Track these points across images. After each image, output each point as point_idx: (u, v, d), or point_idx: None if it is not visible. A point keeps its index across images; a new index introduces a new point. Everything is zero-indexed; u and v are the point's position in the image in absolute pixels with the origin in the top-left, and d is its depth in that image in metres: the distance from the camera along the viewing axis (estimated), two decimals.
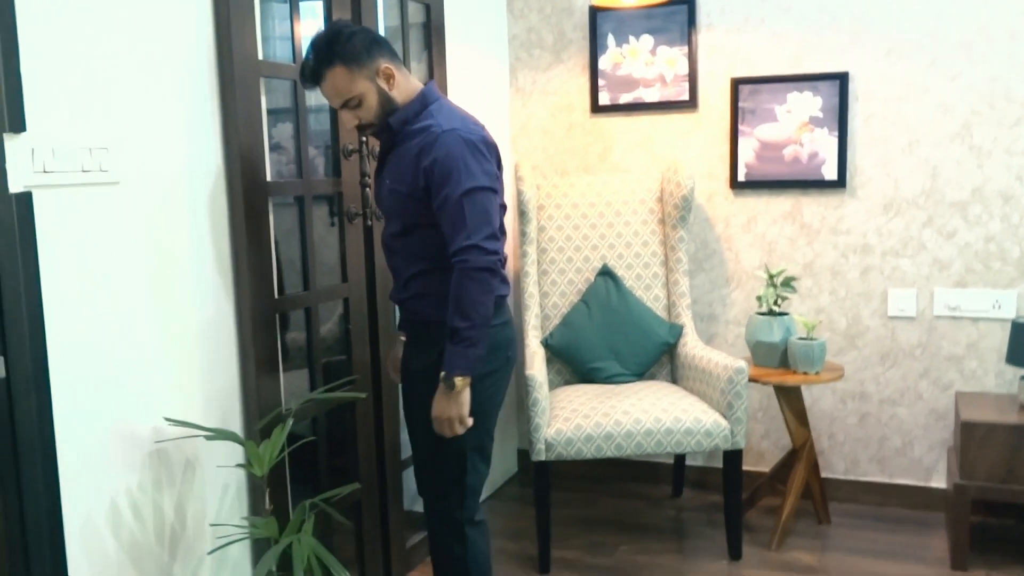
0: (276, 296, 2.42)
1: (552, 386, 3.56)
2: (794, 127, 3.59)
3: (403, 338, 2.33)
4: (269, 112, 2.47)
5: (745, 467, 3.57)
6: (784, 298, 3.41)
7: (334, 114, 2.74)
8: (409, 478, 3.23)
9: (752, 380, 3.24)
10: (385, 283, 2.91)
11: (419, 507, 3.29)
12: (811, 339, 3.30)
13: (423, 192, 2.05)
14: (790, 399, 3.36)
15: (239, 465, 2.17)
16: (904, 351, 3.59)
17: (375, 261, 2.87)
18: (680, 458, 3.83)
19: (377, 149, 2.80)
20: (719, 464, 3.77)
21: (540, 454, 3.05)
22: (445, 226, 2.04)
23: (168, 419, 2.05)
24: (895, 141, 3.52)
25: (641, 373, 3.54)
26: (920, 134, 3.48)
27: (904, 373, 3.60)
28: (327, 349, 2.85)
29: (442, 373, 2.06)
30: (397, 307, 2.36)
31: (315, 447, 2.70)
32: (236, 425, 2.30)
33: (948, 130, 3.45)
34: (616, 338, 3.51)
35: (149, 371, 2.04)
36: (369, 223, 2.83)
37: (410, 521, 3.24)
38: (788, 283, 3.39)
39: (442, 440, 2.16)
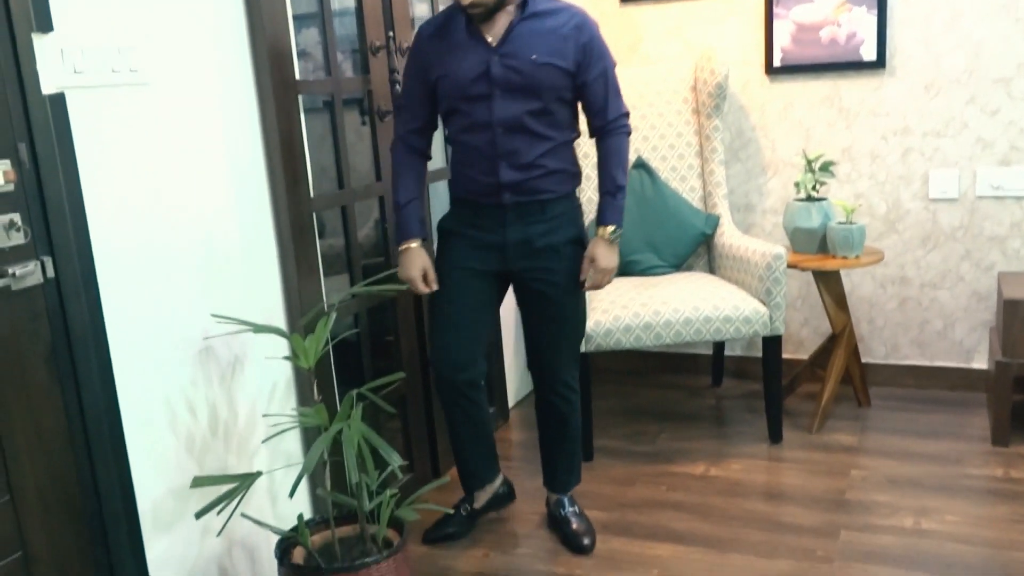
0: (311, 194, 2.43)
1: None
2: (831, 7, 3.48)
3: (468, 232, 2.40)
4: (295, 18, 2.44)
5: (784, 355, 3.57)
6: (822, 183, 3.36)
7: (360, 16, 2.70)
8: None
9: (790, 266, 3.22)
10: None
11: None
12: (850, 223, 3.26)
13: (575, 67, 2.26)
14: (829, 284, 3.34)
15: (286, 358, 2.22)
16: (945, 233, 3.54)
17: None
18: (719, 348, 3.85)
19: (405, 45, 2.78)
20: (758, 353, 3.79)
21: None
22: (597, 97, 2.32)
23: (215, 315, 2.10)
24: (936, 16, 3.40)
25: (678, 265, 3.54)
26: (963, 7, 3.36)
27: (945, 256, 3.56)
28: (365, 253, 2.88)
29: (610, 228, 2.37)
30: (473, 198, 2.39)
31: (358, 345, 2.75)
32: (280, 323, 2.34)
33: (993, 1, 3.32)
34: (652, 231, 3.50)
35: (192, 272, 2.08)
36: None
37: None
38: (826, 168, 3.33)
39: (579, 306, 2.46)
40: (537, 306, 2.46)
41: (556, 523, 2.69)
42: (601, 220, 2.41)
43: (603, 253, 2.39)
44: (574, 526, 2.63)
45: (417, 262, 2.33)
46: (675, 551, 2.58)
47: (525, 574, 2.51)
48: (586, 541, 2.59)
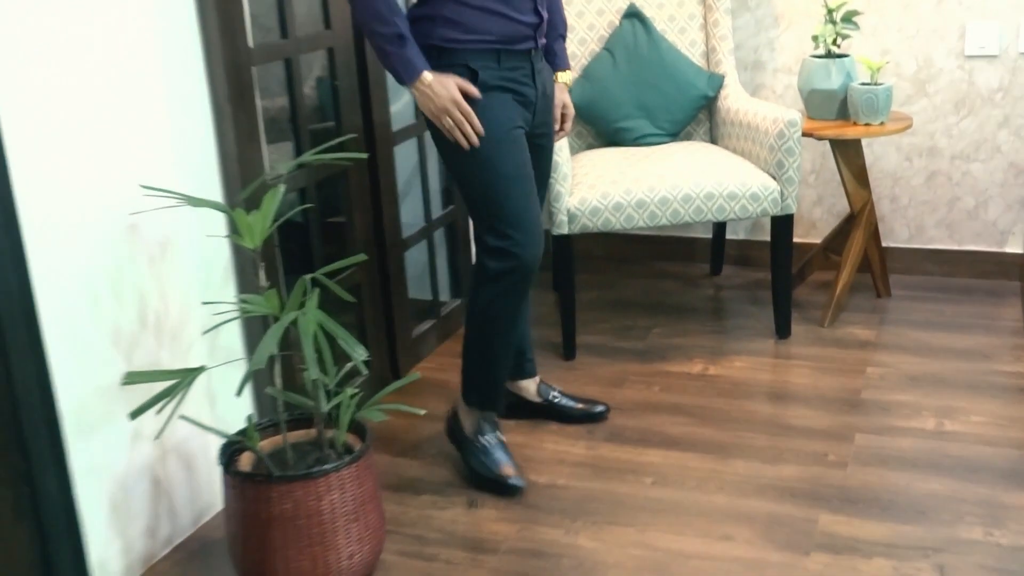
0: (251, 45, 2.41)
1: (573, 151, 3.58)
2: None
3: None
4: None
5: (794, 239, 3.65)
6: (844, 36, 3.37)
7: None
8: (412, 262, 3.31)
9: (805, 134, 3.26)
10: None
11: (424, 294, 3.40)
12: (875, 84, 3.30)
13: None
14: (848, 155, 3.39)
15: (228, 236, 2.23)
16: (982, 96, 3.59)
17: None
18: (719, 232, 3.91)
19: None
20: (764, 236, 3.85)
21: (562, 226, 3.11)
22: None
23: (144, 187, 2.09)
24: None
25: (676, 132, 3.56)
26: None
27: (981, 123, 3.62)
28: (313, 114, 2.86)
29: (570, 74, 2.62)
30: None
31: (305, 226, 2.77)
32: (217, 197, 2.35)
33: None
34: (646, 92, 3.50)
35: (113, 136, 2.06)
36: None
37: (416, 309, 3.36)
38: (849, 18, 3.34)
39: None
40: (536, 164, 2.54)
41: (549, 411, 2.87)
42: (561, 64, 2.59)
43: (569, 100, 2.63)
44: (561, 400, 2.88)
45: (449, 83, 2.31)
46: (670, 457, 2.68)
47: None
48: (598, 408, 2.89)
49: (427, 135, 3.38)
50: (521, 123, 2.41)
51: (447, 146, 2.39)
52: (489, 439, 2.59)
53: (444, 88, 2.29)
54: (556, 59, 2.57)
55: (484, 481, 2.54)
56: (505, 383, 2.66)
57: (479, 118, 2.32)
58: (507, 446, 2.61)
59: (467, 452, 2.60)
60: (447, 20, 2.31)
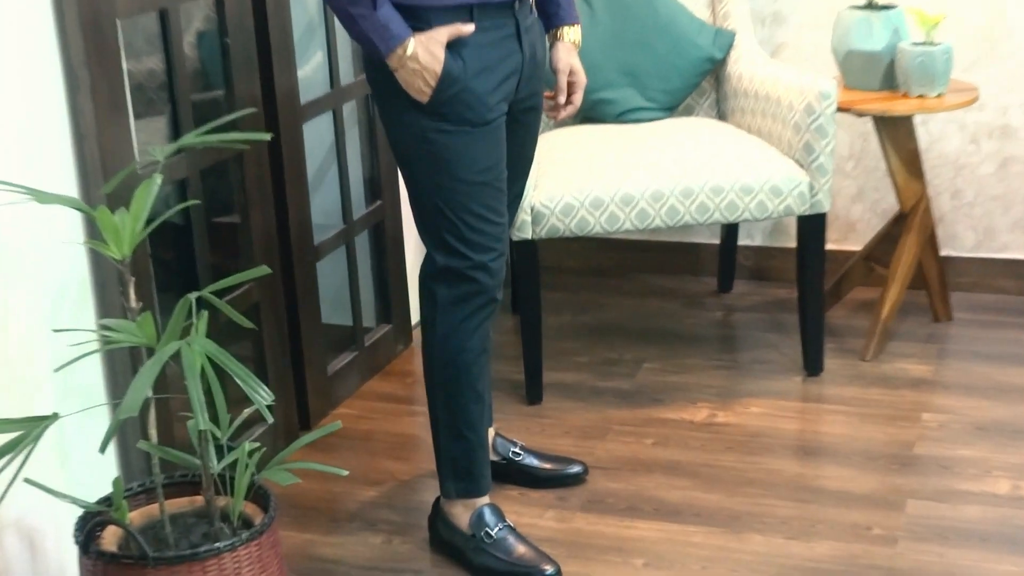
0: None
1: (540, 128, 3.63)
2: None
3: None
4: None
5: (828, 245, 3.70)
6: None
7: None
8: (327, 276, 3.34)
9: (841, 109, 3.32)
10: None
11: (342, 318, 3.43)
12: (931, 44, 3.37)
13: None
14: (897, 137, 3.46)
15: (87, 243, 2.25)
16: None
17: None
18: (730, 236, 3.99)
19: None
20: (789, 242, 3.90)
21: (524, 229, 3.17)
22: None
23: None
24: None
25: (673, 106, 3.63)
26: None
27: None
28: (195, 81, 2.89)
29: (575, 27, 2.65)
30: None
31: (187, 229, 2.79)
32: (71, 190, 2.37)
33: None
34: (634, 54, 3.57)
35: None
36: None
37: (333, 338, 3.40)
38: None
39: None
40: (518, 147, 2.61)
41: (508, 470, 2.92)
42: (567, 17, 2.64)
43: (579, 64, 2.65)
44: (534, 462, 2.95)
45: (438, 49, 2.36)
46: (667, 531, 2.73)
47: (440, 567, 2.65)
48: (573, 469, 2.95)
49: (348, 106, 3.42)
50: (502, 99, 2.47)
51: (398, 128, 2.46)
52: (502, 531, 2.62)
53: (433, 57, 2.35)
54: (560, 10, 2.62)
55: None
56: (487, 449, 2.70)
57: (441, 96, 2.38)
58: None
59: (473, 554, 2.62)
60: None
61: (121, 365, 2.49)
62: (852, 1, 3.56)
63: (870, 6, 3.46)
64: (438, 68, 2.36)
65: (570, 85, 2.65)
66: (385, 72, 2.40)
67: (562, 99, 2.65)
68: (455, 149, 2.43)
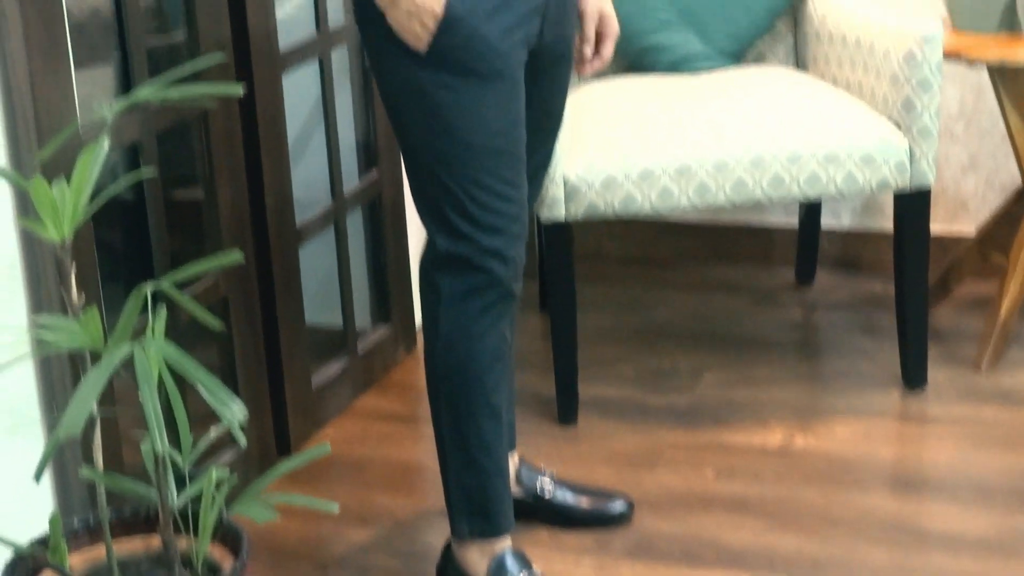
0: None
1: (573, 82, 3.63)
2: None
3: None
4: None
5: (933, 227, 3.71)
6: None
7: None
8: (311, 264, 3.35)
9: (950, 57, 3.33)
10: None
11: (329, 319, 3.44)
12: None
13: None
14: (1020, 92, 3.46)
15: (19, 221, 2.26)
16: None
17: None
18: (811, 216, 3.99)
19: None
20: (884, 224, 3.91)
21: (555, 208, 3.17)
22: None
23: None
24: None
25: (739, 53, 3.65)
26: None
27: None
28: (149, 21, 2.90)
29: None
30: None
31: (139, 204, 2.80)
32: None
33: None
34: None
35: None
36: None
37: (319, 341, 3.42)
38: None
39: None
40: (542, 104, 2.62)
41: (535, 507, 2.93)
42: None
43: (610, 9, 2.67)
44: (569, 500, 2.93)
45: None
46: None
47: None
48: (616, 506, 2.95)
49: (337, 53, 3.43)
50: (519, 45, 2.47)
51: (391, 83, 2.46)
52: None
53: None
54: None
55: None
56: (507, 479, 2.70)
57: (442, 42, 2.38)
58: None
59: None
60: None
61: (59, 373, 2.50)
62: None
63: None
64: (437, 7, 2.35)
65: (598, 34, 2.66)
66: (375, 13, 2.39)
67: (588, 51, 2.66)
68: (461, 108, 2.43)
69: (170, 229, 2.84)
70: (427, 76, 2.40)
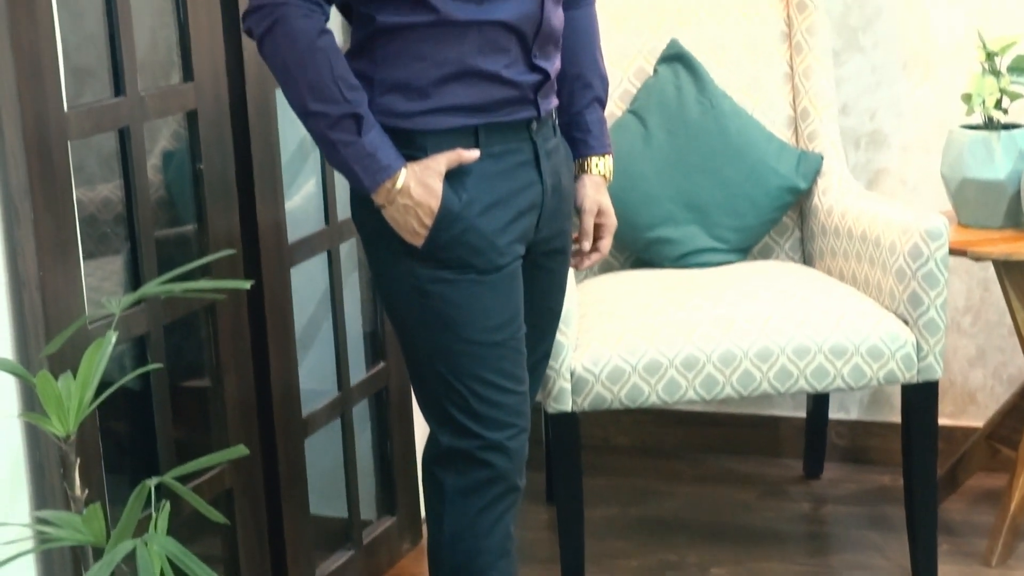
0: (64, 108, 2.48)
1: (580, 276, 3.64)
2: None
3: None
4: None
5: (941, 420, 3.70)
6: (1015, 96, 3.48)
7: None
8: (317, 456, 3.35)
9: (956, 252, 3.34)
10: (261, 78, 2.98)
11: (336, 509, 3.43)
12: None
13: None
14: None
15: (23, 416, 2.26)
16: None
17: (242, 44, 2.93)
18: (819, 408, 3.97)
19: None
20: (892, 416, 3.90)
21: (562, 399, 3.17)
22: None
23: None
24: None
25: (746, 247, 3.67)
26: None
27: None
28: (160, 213, 2.92)
29: (610, 160, 2.71)
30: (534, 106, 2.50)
31: (146, 396, 2.79)
32: (6, 350, 2.39)
33: None
34: (699, 183, 3.61)
35: None
36: None
37: (324, 533, 3.39)
38: (1022, 67, 3.45)
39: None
40: (541, 298, 2.63)
41: None
42: (597, 146, 2.70)
43: (608, 202, 2.71)
44: None
45: (435, 181, 2.37)
46: None
47: None
48: None
49: (345, 246, 3.45)
50: (516, 240, 2.49)
51: (389, 279, 2.47)
52: None
53: (428, 190, 2.37)
54: (589, 137, 2.66)
55: None
56: None
57: (439, 238, 2.39)
58: None
59: None
60: (394, 85, 2.39)
61: (60, 568, 2.48)
62: (967, 119, 3.59)
63: (990, 125, 3.49)
64: (434, 204, 2.37)
65: (597, 228, 2.68)
66: (372, 209, 2.41)
67: (587, 245, 2.68)
68: (459, 303, 2.43)
69: (176, 417, 2.84)
70: (425, 272, 2.42)
